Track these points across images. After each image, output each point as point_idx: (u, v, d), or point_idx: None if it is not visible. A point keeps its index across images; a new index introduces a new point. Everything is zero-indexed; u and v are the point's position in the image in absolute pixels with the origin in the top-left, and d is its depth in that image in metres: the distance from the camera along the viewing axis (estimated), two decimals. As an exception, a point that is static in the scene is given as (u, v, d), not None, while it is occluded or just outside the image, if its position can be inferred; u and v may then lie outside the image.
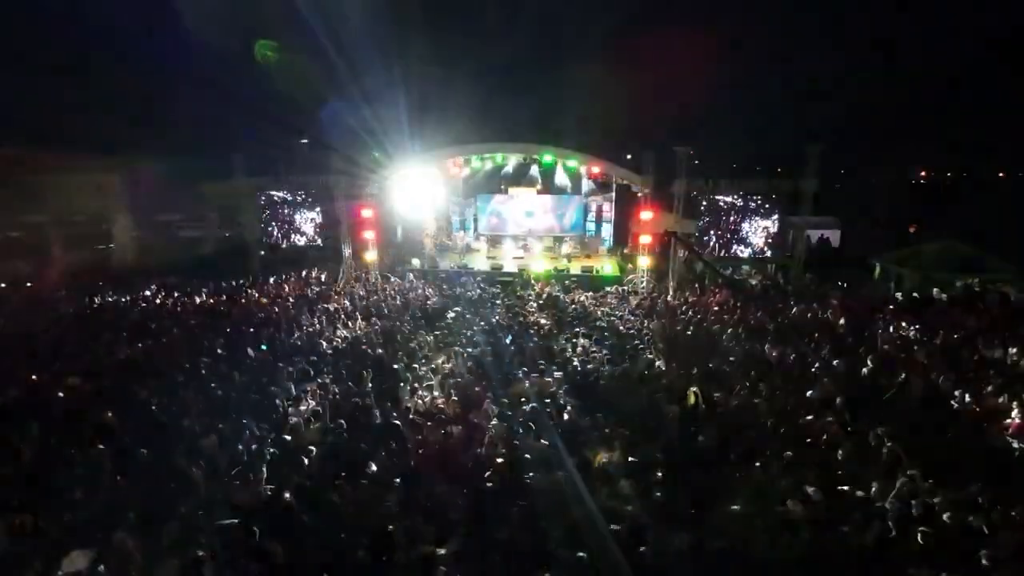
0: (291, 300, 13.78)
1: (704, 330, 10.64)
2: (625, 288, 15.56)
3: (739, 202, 15.07)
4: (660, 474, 5.34)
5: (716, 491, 5.26)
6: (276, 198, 17.36)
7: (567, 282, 15.66)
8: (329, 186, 16.71)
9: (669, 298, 14.36)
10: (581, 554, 4.12)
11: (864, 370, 8.50)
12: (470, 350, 9.44)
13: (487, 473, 5.54)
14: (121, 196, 21.97)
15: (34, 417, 6.83)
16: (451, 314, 12.19)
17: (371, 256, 17.17)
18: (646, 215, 15.42)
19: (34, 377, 8.18)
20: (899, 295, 13.75)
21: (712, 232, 15.42)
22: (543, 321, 11.36)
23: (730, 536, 4.59)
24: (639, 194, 15.71)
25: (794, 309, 12.37)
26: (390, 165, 18.02)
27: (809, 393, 7.62)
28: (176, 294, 14.76)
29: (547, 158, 19.85)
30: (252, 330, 10.86)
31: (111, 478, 5.39)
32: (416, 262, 19.07)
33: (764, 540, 4.58)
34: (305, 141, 28.30)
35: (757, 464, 5.70)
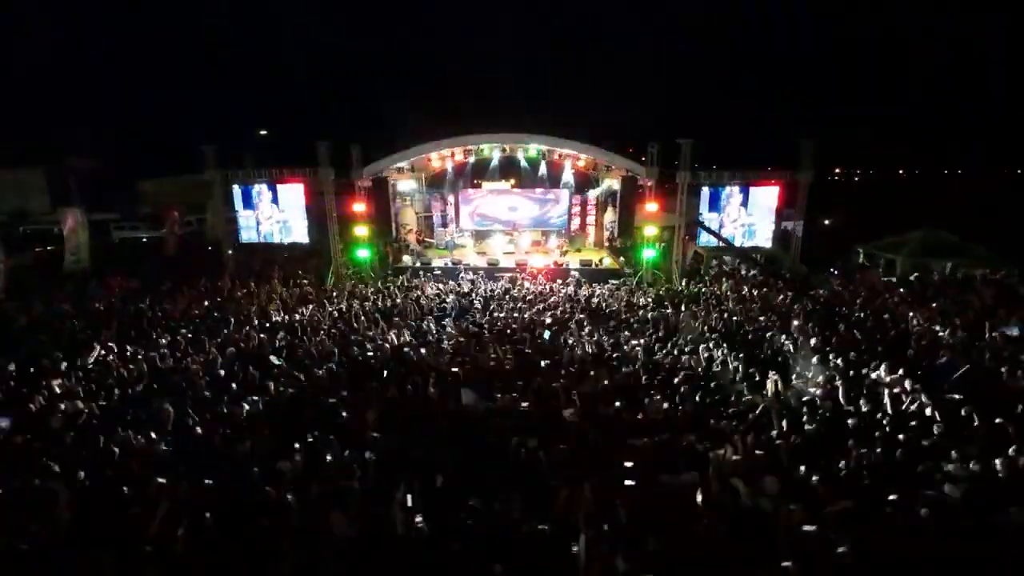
0: (289, 301, 12.66)
1: (743, 318, 10.67)
2: (635, 280, 15.47)
3: (740, 194, 15.38)
4: (803, 468, 5.11)
5: (858, 480, 5.12)
6: (255, 191, 15.85)
7: (579, 276, 15.38)
8: (319, 179, 15.44)
9: (682, 289, 14.42)
10: (786, 563, 3.80)
11: (909, 351, 8.77)
12: (522, 348, 8.93)
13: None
14: (65, 193, 19.40)
15: (43, 451, 5.70)
16: (477, 313, 11.58)
17: (364, 254, 16.11)
18: (651, 206, 15.41)
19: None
20: (889, 279, 14.54)
21: (715, 223, 15.66)
22: (579, 316, 10.99)
23: (901, 527, 4.43)
24: (643, 186, 15.66)
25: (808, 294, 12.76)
26: (374, 159, 17.00)
27: (875, 375, 7.74)
28: (148, 299, 13.11)
29: (531, 151, 19.61)
30: (264, 335, 9.79)
31: (190, 517, 4.48)
32: (408, 259, 18.18)
33: (932, 528, 4.46)
34: (264, 132, 26.32)
35: (879, 450, 5.62)
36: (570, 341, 9.44)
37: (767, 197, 15.39)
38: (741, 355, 8.38)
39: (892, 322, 10.49)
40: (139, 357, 8.52)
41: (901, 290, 12.41)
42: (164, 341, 9.49)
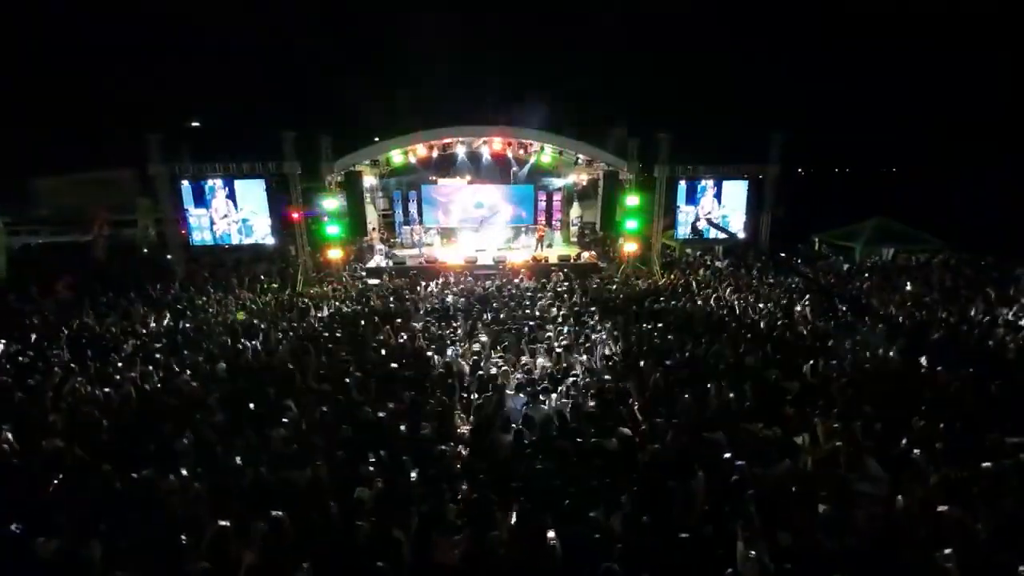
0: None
1: (743, 306, 10.98)
2: (619, 273, 15.56)
3: (713, 187, 15.95)
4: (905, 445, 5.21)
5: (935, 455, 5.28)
6: (208, 188, 14.19)
7: (566, 271, 15.21)
8: (284, 173, 14.13)
9: (662, 281, 14.68)
10: (947, 550, 3.78)
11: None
12: (554, 345, 8.60)
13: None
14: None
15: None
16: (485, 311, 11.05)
17: (336, 254, 14.99)
18: (632, 200, 15.57)
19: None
20: (849, 266, 15.65)
21: (691, 215, 16.14)
22: (592, 310, 10.82)
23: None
24: (623, 180, 15.79)
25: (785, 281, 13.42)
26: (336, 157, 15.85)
27: (891, 353, 8.18)
28: (93, 313, 11.32)
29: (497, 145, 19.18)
30: (257, 345, 8.74)
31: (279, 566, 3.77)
32: (379, 259, 17.16)
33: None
34: (196, 124, 23.84)
35: (942, 425, 5.85)
36: (592, 337, 9.25)
37: (739, 190, 16.08)
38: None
39: (870, 305, 11.24)
40: (118, 379, 7.27)
41: (873, 276, 13.40)
42: (138, 359, 8.20)
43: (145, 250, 18.21)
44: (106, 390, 7.00)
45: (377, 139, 17.93)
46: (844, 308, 10.54)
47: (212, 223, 14.62)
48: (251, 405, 6.51)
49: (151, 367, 7.69)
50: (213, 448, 5.45)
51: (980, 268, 13.33)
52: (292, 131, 14.09)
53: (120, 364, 7.98)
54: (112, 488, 4.77)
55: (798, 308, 10.54)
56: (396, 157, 18.92)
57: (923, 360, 7.88)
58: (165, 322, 10.68)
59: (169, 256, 17.41)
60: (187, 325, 10.21)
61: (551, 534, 4.09)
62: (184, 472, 4.93)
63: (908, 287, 11.79)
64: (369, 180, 19.75)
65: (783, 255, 15.88)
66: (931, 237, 16.06)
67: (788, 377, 7.57)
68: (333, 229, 14.71)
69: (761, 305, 11.19)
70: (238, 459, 5.20)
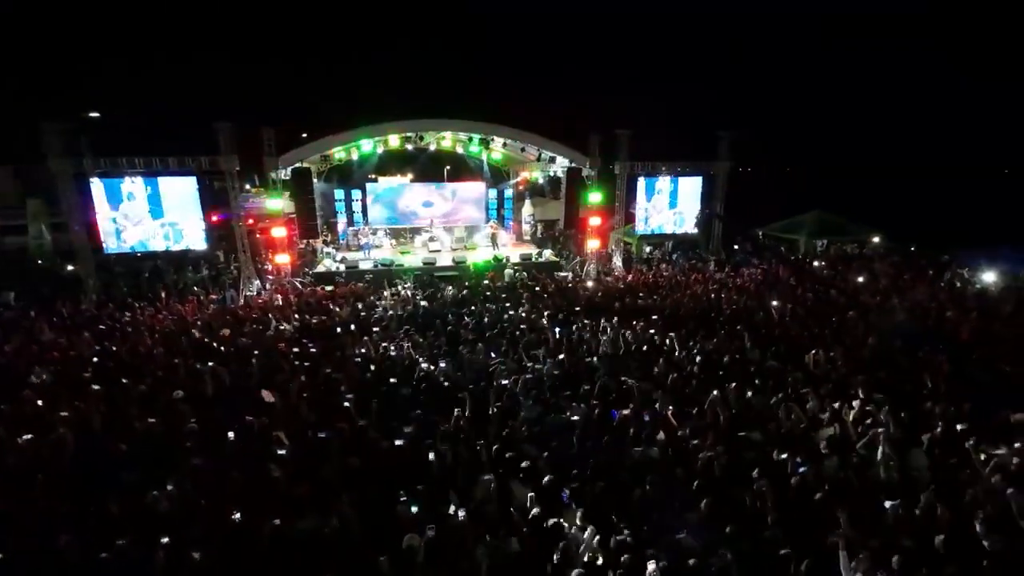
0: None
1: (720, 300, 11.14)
2: (586, 272, 15.39)
3: (671, 183, 16.24)
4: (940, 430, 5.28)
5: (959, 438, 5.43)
6: (125, 189, 12.18)
7: (532, 270, 14.79)
8: (220, 170, 12.47)
9: (630, 277, 14.71)
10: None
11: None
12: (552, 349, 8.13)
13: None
14: None
15: None
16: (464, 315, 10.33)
17: (283, 259, 13.52)
18: (595, 197, 15.48)
19: None
20: (795, 257, 16.55)
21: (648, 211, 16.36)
22: (576, 309, 10.45)
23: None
24: (585, 177, 15.66)
25: (746, 273, 13.91)
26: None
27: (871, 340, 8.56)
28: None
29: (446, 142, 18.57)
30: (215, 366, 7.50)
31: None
32: (330, 263, 15.78)
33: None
34: (96, 115, 20.75)
35: (952, 409, 6.06)
36: (586, 337, 8.92)
37: (693, 186, 16.49)
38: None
39: (827, 293, 11.83)
40: (43, 420, 5.85)
41: (816, 264, 14.24)
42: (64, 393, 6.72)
43: (39, 260, 15.52)
44: (28, 437, 5.62)
45: (305, 135, 16.55)
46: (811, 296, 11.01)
47: (119, 230, 12.50)
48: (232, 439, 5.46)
49: (84, 403, 6.28)
50: (198, 502, 4.43)
51: (910, 256, 14.58)
52: (227, 122, 12.44)
53: (40, 402, 6.49)
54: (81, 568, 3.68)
55: (774, 303, 10.80)
56: (338, 153, 17.67)
57: (899, 344, 8.31)
58: (86, 345, 8.95)
59: (71, 267, 15.03)
60: (115, 347, 8.62)
61: (651, 567, 3.59)
62: (165, 540, 3.89)
63: (860, 277, 12.55)
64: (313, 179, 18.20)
65: (736, 248, 16.51)
66: (866, 228, 17.37)
67: (792, 368, 7.66)
68: (280, 231, 13.27)
69: (735, 297, 11.42)
70: (237, 514, 4.22)
